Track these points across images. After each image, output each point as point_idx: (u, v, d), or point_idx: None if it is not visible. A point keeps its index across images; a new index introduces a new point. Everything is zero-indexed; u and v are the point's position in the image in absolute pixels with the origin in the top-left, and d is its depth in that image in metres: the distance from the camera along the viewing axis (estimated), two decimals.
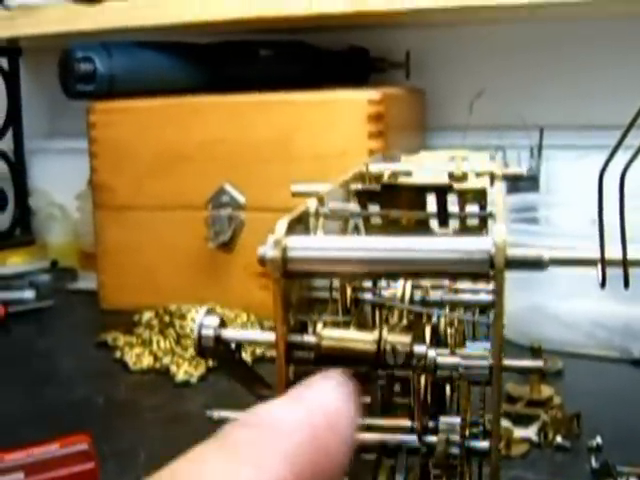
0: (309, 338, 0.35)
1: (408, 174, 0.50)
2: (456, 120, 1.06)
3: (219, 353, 0.36)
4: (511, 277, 0.32)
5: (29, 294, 0.99)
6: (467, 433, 0.38)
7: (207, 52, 1.04)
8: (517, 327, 0.74)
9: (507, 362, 0.33)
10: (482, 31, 1.08)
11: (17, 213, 1.23)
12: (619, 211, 0.42)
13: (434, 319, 0.39)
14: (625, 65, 1.02)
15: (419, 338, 0.38)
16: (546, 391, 0.66)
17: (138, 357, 0.79)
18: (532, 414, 0.62)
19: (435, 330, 0.40)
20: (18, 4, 1.09)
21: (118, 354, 0.80)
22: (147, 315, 0.85)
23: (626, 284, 0.43)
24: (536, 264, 0.32)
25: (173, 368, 0.75)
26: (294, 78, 1.02)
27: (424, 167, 0.51)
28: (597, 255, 0.44)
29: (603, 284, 0.44)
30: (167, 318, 0.82)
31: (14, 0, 1.10)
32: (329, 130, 0.86)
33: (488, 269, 0.31)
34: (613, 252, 0.43)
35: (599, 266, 0.44)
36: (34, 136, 1.28)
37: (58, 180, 1.25)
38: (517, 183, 0.93)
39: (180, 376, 0.74)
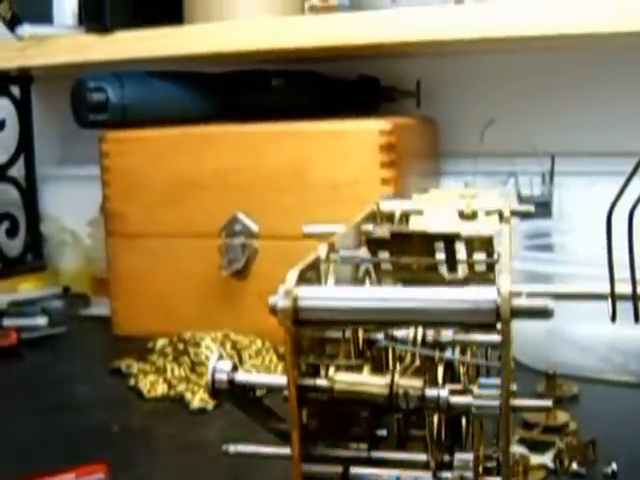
0: (321, 382, 0.36)
1: (419, 213, 0.50)
2: (468, 147, 1.07)
3: (233, 395, 0.37)
4: None
5: (42, 321, 0.99)
6: (481, 469, 0.39)
7: (219, 81, 1.05)
8: (533, 352, 0.75)
9: (517, 402, 0.33)
10: (492, 59, 1.09)
11: (29, 239, 1.24)
12: (628, 247, 0.43)
13: (446, 357, 0.39)
14: (635, 94, 1.03)
15: (432, 379, 0.38)
16: (562, 417, 0.66)
17: (152, 385, 0.79)
18: (548, 440, 0.62)
19: (447, 368, 0.41)
20: (30, 34, 1.10)
21: (132, 381, 0.80)
22: (161, 342, 0.85)
23: (636, 318, 0.44)
24: (542, 313, 0.33)
25: (188, 396, 0.76)
26: (306, 107, 1.03)
27: (434, 206, 0.51)
28: (608, 290, 0.44)
29: (613, 318, 0.45)
30: (181, 346, 0.82)
31: (26, 30, 1.11)
32: (341, 160, 0.87)
33: (495, 320, 0.32)
34: (624, 287, 0.44)
35: (609, 301, 0.45)
36: (46, 163, 1.29)
37: (69, 206, 1.26)
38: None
39: (195, 403, 0.74)
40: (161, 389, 0.78)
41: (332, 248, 0.42)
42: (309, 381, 0.36)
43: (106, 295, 1.01)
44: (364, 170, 0.86)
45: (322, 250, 0.41)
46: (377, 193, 0.85)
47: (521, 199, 0.98)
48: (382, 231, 0.46)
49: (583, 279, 0.76)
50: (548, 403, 0.35)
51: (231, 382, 0.37)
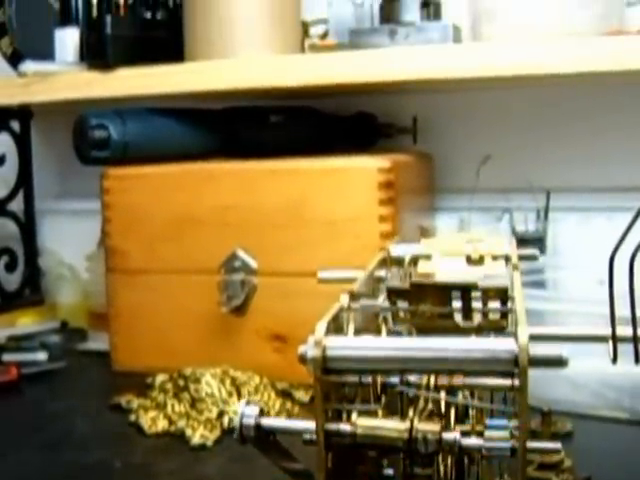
0: (345, 427, 0.37)
1: (428, 258, 0.52)
2: (464, 183, 1.09)
3: (259, 439, 0.38)
4: None
5: (42, 356, 0.99)
6: None
7: (218, 118, 1.07)
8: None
9: (531, 445, 0.35)
10: (487, 96, 1.11)
11: (27, 273, 1.24)
12: (629, 292, 0.44)
13: (462, 402, 0.41)
14: (629, 130, 1.05)
15: (445, 421, 0.40)
16: (557, 455, 0.67)
17: (153, 420, 0.79)
18: (544, 478, 0.63)
19: (459, 411, 0.42)
20: (32, 70, 1.12)
21: (132, 417, 0.80)
22: (161, 378, 0.86)
23: (637, 360, 0.45)
24: (557, 363, 0.35)
25: (189, 432, 0.76)
26: (304, 143, 1.04)
27: (442, 251, 0.53)
28: (608, 332, 0.45)
29: (615, 360, 0.46)
30: (181, 382, 0.83)
31: (28, 66, 1.13)
32: (340, 197, 0.88)
33: (513, 368, 0.35)
34: (624, 329, 0.45)
35: (610, 343, 0.46)
36: (44, 197, 1.30)
37: (68, 241, 1.27)
38: (525, 244, 0.95)
39: (196, 440, 0.74)
40: (162, 425, 0.78)
41: (353, 297, 0.44)
42: (333, 426, 0.38)
43: (103, 330, 1.01)
44: (362, 207, 0.87)
45: (344, 299, 0.43)
46: (375, 230, 0.87)
47: (516, 235, 0.99)
48: (402, 281, 0.48)
49: (575, 316, 0.77)
50: (557, 445, 0.36)
51: (258, 427, 0.39)
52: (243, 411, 0.38)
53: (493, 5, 0.96)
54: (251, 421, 0.38)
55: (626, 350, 0.45)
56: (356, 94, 1.14)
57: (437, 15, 0.98)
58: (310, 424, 0.37)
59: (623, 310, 0.45)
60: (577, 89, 1.07)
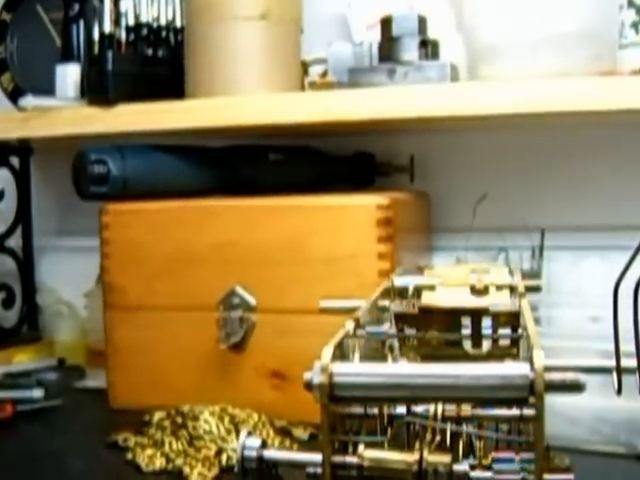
0: (351, 459, 0.36)
1: (432, 288, 0.52)
2: (460, 222, 1.09)
3: (261, 472, 0.37)
4: None
5: (38, 393, 0.98)
6: None
7: (218, 156, 1.07)
8: None
9: (547, 477, 0.34)
10: (484, 136, 1.12)
11: (24, 310, 1.24)
12: (633, 322, 0.44)
13: (472, 433, 0.40)
14: (622, 170, 1.06)
15: (454, 453, 0.39)
16: None
17: (150, 458, 0.78)
18: None
19: (467, 443, 0.42)
20: (32, 105, 1.13)
21: (130, 455, 0.80)
22: (158, 415, 0.85)
23: None
24: (574, 388, 0.33)
25: (186, 470, 0.75)
26: (302, 181, 1.05)
27: (447, 281, 0.52)
28: (612, 364, 0.45)
29: (619, 391, 0.46)
30: (179, 419, 0.82)
31: (28, 102, 1.14)
32: (339, 234, 0.89)
33: (528, 395, 0.32)
34: (627, 361, 0.45)
35: (614, 374, 0.46)
36: (43, 234, 1.30)
37: (66, 278, 1.27)
38: None
39: (194, 478, 0.74)
40: (159, 463, 0.78)
41: (358, 324, 0.43)
42: (340, 458, 0.37)
43: (101, 367, 1.01)
44: (361, 244, 0.88)
45: (349, 326, 0.42)
46: (374, 267, 0.87)
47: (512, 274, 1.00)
48: (410, 306, 0.47)
49: (570, 352, 0.77)
50: (570, 477, 0.36)
51: (260, 459, 0.38)
52: (244, 442, 0.37)
53: (490, 45, 0.97)
54: (253, 453, 0.37)
55: (623, 384, 0.45)
56: (354, 134, 1.15)
57: (435, 54, 0.99)
58: (315, 456, 0.36)
59: (623, 343, 0.45)
60: (571, 130, 1.08)
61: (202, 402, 0.84)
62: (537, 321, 0.92)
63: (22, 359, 1.15)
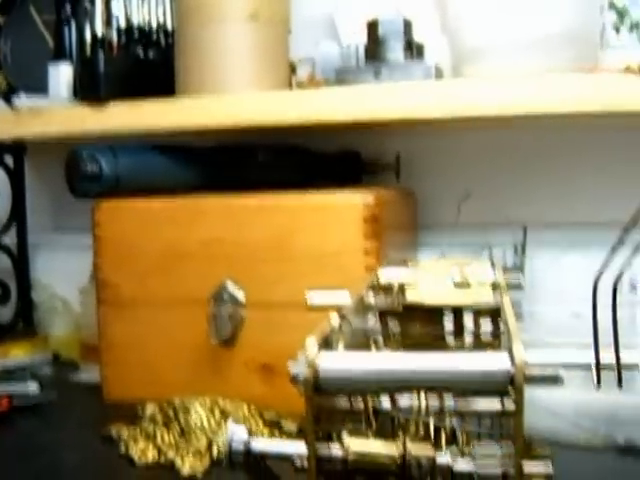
0: (336, 451, 0.37)
1: (416, 283, 0.53)
2: (445, 219, 1.11)
3: (248, 463, 0.38)
4: None
5: (33, 387, 1.00)
6: None
7: (208, 155, 1.09)
8: None
9: (525, 469, 0.35)
10: (468, 136, 1.14)
11: (20, 306, 1.26)
12: (612, 319, 0.46)
13: (456, 426, 0.41)
14: (604, 167, 1.08)
15: (437, 446, 0.40)
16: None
17: (143, 451, 0.80)
18: None
19: (450, 436, 0.43)
20: (25, 105, 1.14)
21: (122, 448, 0.81)
22: (150, 409, 0.87)
23: (620, 384, 0.46)
24: (553, 380, 0.34)
25: (178, 462, 0.77)
26: (290, 180, 1.06)
27: (430, 276, 0.54)
28: (592, 360, 0.47)
29: (599, 385, 0.47)
30: (171, 412, 0.84)
31: (21, 101, 1.15)
32: (326, 231, 0.90)
33: (508, 387, 0.34)
34: (606, 356, 0.47)
35: (594, 369, 0.47)
36: (37, 231, 1.32)
37: (60, 274, 1.29)
38: None
39: (185, 470, 0.75)
40: (151, 455, 0.79)
41: (343, 318, 0.43)
42: (325, 451, 0.37)
43: (95, 362, 1.03)
44: (348, 241, 0.89)
45: (335, 320, 0.42)
46: (360, 263, 0.89)
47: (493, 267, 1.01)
48: (394, 303, 0.47)
49: (552, 347, 0.79)
50: (550, 471, 0.37)
51: (247, 451, 0.38)
52: (232, 433, 0.38)
53: (474, 47, 0.99)
54: (240, 444, 0.38)
55: (602, 378, 0.47)
56: (341, 132, 1.16)
57: (420, 56, 1.01)
58: (301, 446, 0.36)
59: (602, 337, 0.46)
60: (554, 129, 1.10)
61: (194, 395, 0.86)
62: (520, 317, 0.94)
63: (17, 354, 1.16)
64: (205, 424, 0.82)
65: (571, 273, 1.02)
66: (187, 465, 0.76)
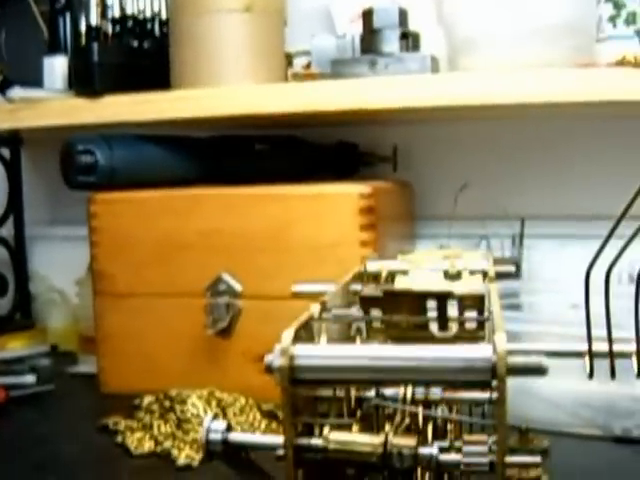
0: (317, 441, 0.36)
1: (405, 273, 0.53)
2: (442, 210, 1.11)
3: (227, 454, 0.38)
4: None
5: (30, 379, 1.00)
6: None
7: (204, 146, 1.09)
8: None
9: (507, 459, 0.35)
10: (465, 127, 1.14)
11: (17, 298, 1.26)
12: (605, 308, 0.46)
13: (439, 416, 0.41)
14: (602, 159, 1.08)
15: (422, 436, 0.40)
16: (534, 471, 0.69)
17: (139, 441, 0.80)
18: None
19: (436, 426, 0.43)
20: (20, 97, 1.14)
21: (119, 438, 0.81)
22: (147, 400, 0.87)
23: (612, 375, 0.47)
24: (536, 371, 0.34)
25: (174, 452, 0.77)
26: (287, 171, 1.06)
27: (420, 266, 0.54)
28: (585, 348, 0.47)
29: (591, 375, 0.47)
30: (167, 403, 0.84)
31: (16, 93, 1.15)
32: (322, 222, 0.91)
33: (490, 378, 0.33)
34: (600, 345, 0.47)
35: (587, 359, 0.47)
36: (34, 223, 1.32)
37: (57, 266, 1.29)
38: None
39: (182, 460, 0.76)
40: (148, 446, 0.79)
41: (324, 307, 0.43)
42: (304, 441, 0.36)
43: (93, 353, 1.03)
44: (344, 232, 0.90)
45: (315, 309, 0.42)
46: (357, 255, 0.88)
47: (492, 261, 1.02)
48: (375, 289, 0.47)
49: (550, 337, 0.80)
50: (537, 459, 0.37)
51: (225, 442, 0.38)
52: (209, 426, 0.37)
53: (470, 38, 0.99)
54: (218, 436, 0.37)
55: (600, 368, 0.47)
56: (338, 124, 1.16)
57: (416, 47, 1.01)
58: (279, 439, 0.35)
59: (597, 329, 0.46)
60: (551, 120, 1.10)
61: (190, 386, 0.86)
62: (518, 307, 0.94)
63: (15, 346, 1.16)
64: (202, 415, 0.82)
65: (569, 264, 1.02)
66: (183, 455, 0.76)
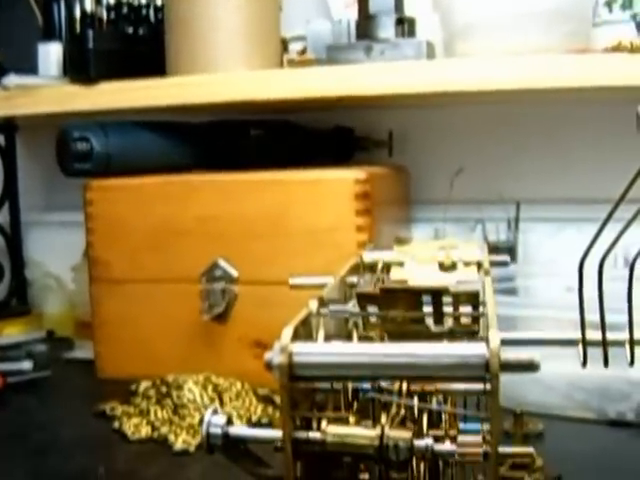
0: (314, 435, 0.37)
1: (400, 265, 0.53)
2: (438, 195, 1.12)
3: (227, 448, 0.38)
4: None
5: (27, 365, 1.01)
6: None
7: (200, 131, 1.09)
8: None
9: (501, 449, 0.36)
10: (461, 111, 1.14)
11: (13, 284, 1.26)
12: (599, 300, 0.46)
13: (434, 408, 0.41)
14: (597, 143, 1.08)
15: (417, 426, 0.40)
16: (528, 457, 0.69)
17: (136, 427, 0.81)
18: (516, 477, 0.65)
19: (433, 417, 0.43)
20: (15, 84, 1.13)
21: (116, 424, 0.82)
22: (144, 385, 0.87)
23: (606, 364, 0.47)
24: (529, 367, 0.35)
25: (171, 437, 0.77)
26: (283, 156, 1.06)
27: (415, 258, 0.54)
28: (578, 336, 0.47)
29: (584, 363, 0.48)
30: (164, 389, 0.84)
31: (11, 80, 1.14)
32: (318, 208, 0.91)
33: (484, 373, 0.34)
34: (593, 333, 0.47)
35: (580, 347, 0.47)
36: (30, 209, 1.32)
37: (53, 252, 1.29)
38: (496, 253, 0.97)
39: (178, 445, 0.76)
40: (145, 431, 0.80)
41: (322, 302, 0.43)
42: (302, 434, 0.37)
43: (89, 339, 1.03)
44: (340, 218, 0.90)
45: (313, 305, 0.42)
46: (353, 240, 0.89)
47: (488, 244, 1.02)
48: (372, 287, 0.47)
49: (545, 321, 0.80)
50: (529, 450, 0.37)
51: (225, 436, 0.38)
52: (210, 420, 0.38)
53: (466, 23, 0.99)
54: (218, 430, 0.38)
55: (594, 353, 0.47)
56: (333, 109, 1.16)
57: (411, 32, 1.01)
58: (278, 433, 0.36)
59: (591, 314, 0.47)
60: (546, 105, 1.10)
61: (187, 372, 0.86)
62: (514, 291, 0.95)
63: (12, 332, 1.16)
64: (198, 400, 0.82)
65: (565, 248, 1.03)
66: (180, 440, 0.77)
